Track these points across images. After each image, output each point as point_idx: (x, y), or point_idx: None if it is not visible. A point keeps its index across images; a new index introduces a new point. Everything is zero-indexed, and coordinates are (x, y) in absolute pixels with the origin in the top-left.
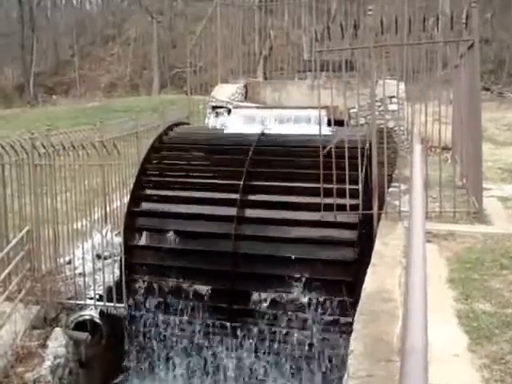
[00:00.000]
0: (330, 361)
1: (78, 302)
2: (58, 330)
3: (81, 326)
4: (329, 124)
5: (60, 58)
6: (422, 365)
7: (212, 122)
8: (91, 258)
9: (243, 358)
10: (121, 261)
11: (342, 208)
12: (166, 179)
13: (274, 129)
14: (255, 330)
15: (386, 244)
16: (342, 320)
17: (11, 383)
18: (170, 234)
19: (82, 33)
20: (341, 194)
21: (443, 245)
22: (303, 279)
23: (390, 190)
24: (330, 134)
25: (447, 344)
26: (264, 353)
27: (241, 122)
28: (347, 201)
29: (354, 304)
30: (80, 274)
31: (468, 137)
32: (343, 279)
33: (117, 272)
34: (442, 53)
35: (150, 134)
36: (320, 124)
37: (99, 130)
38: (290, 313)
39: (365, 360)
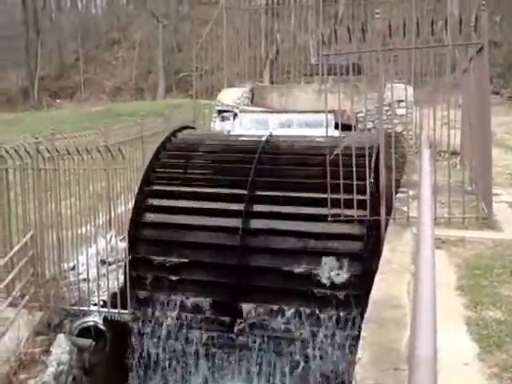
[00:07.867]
0: None
1: (82, 308)
2: (61, 336)
3: (85, 332)
4: (336, 128)
5: (65, 62)
6: (431, 374)
7: (218, 126)
8: (95, 264)
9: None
10: (125, 266)
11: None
12: (170, 189)
13: (281, 133)
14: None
15: (394, 250)
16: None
17: None
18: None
19: (86, 36)
20: (348, 200)
21: (452, 251)
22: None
23: (398, 195)
24: (337, 137)
25: (456, 352)
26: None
27: (247, 127)
28: (355, 209)
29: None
30: (84, 279)
31: (477, 141)
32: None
33: (121, 278)
34: (451, 56)
35: (156, 139)
36: (327, 128)
37: (104, 134)
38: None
39: (372, 368)
